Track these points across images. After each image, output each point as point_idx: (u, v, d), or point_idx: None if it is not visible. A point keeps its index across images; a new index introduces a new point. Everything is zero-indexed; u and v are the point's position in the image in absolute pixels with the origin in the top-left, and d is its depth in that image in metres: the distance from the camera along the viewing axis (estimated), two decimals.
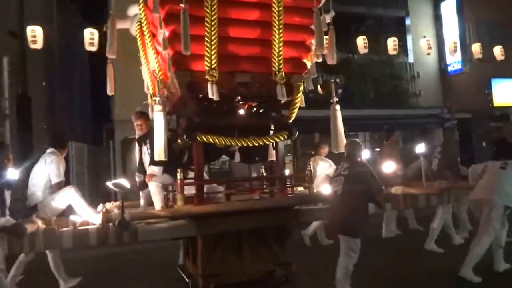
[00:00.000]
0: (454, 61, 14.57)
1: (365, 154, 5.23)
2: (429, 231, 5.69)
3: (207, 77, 3.94)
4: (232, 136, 4.34)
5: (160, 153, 3.81)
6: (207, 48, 3.94)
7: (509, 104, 15.42)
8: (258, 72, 4.30)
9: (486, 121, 13.65)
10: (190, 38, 3.97)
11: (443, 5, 15.16)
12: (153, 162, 4.26)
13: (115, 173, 10.62)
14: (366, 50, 6.30)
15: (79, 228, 3.71)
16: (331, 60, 4.52)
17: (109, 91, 4.70)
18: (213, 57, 3.96)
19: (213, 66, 3.97)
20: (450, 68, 14.80)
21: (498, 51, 7.56)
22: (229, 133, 4.33)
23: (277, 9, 4.18)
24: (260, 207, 4.14)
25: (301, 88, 4.68)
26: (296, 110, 4.78)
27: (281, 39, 4.22)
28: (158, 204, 4.25)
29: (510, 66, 9.57)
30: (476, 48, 7.44)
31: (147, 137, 4.47)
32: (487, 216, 4.26)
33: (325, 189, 5.15)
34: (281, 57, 4.25)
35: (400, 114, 13.06)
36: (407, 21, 15.07)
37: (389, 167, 4.30)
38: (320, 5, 4.52)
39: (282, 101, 4.74)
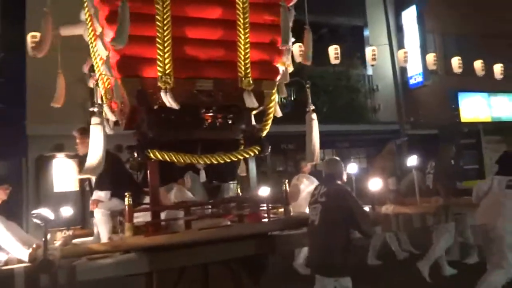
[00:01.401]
0: (415, 74, 13.65)
1: (352, 169, 4.66)
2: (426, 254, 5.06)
3: (159, 84, 3.37)
4: (195, 152, 3.76)
5: (88, 170, 3.17)
6: (159, 51, 3.38)
7: (477, 119, 14.37)
8: (222, 78, 3.74)
9: (454, 138, 12.37)
10: (140, 40, 3.47)
11: (404, 14, 14.13)
12: (98, 186, 3.64)
13: (27, 197, 8.98)
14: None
15: (3, 268, 3.07)
16: (306, 61, 3.98)
17: (56, 103, 4.11)
18: (166, 61, 3.40)
19: (167, 72, 3.40)
20: (411, 81, 13.86)
21: (456, 63, 7.13)
22: (191, 149, 3.75)
23: (241, 6, 3.65)
24: (224, 235, 3.50)
25: (275, 96, 4.13)
26: (269, 122, 4.21)
27: (247, 40, 3.67)
28: (104, 235, 3.61)
29: (476, 79, 8.94)
30: (430, 59, 7.00)
31: None
32: (494, 245, 3.64)
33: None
34: (248, 60, 3.69)
35: (357, 130, 12.14)
36: (366, 31, 13.94)
37: (378, 182, 3.70)
38: (292, 3, 4.00)
39: (253, 112, 4.22)
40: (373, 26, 13.61)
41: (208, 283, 3.66)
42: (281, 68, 4.03)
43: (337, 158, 3.57)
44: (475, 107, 14.36)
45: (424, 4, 13.63)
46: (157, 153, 3.47)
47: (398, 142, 11.06)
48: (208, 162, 3.69)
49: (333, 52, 5.72)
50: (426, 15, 13.68)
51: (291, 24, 4.00)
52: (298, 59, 5.37)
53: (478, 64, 7.56)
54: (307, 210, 4.61)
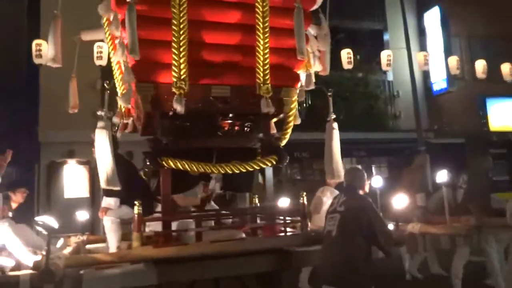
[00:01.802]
0: (439, 79, 12.64)
1: (376, 183, 4.40)
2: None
3: (173, 89, 3.27)
4: (209, 161, 3.62)
5: (106, 180, 3.09)
6: (174, 56, 3.27)
7: (507, 128, 13.13)
8: (239, 85, 3.59)
9: (483, 147, 11.36)
10: (155, 44, 3.39)
11: (426, 16, 13.08)
12: (106, 193, 3.55)
13: (38, 202, 8.98)
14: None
15: (9, 273, 3.01)
16: (324, 71, 3.78)
17: (72, 108, 4.09)
18: (182, 66, 3.29)
19: (182, 77, 3.29)
20: (435, 87, 12.82)
21: (480, 67, 6.64)
22: (206, 157, 3.61)
23: (261, 9, 3.51)
24: (237, 249, 3.32)
25: (295, 104, 3.94)
26: (289, 131, 4.04)
27: (266, 46, 3.52)
28: (113, 243, 3.50)
29: (507, 85, 8.23)
30: (453, 63, 6.54)
31: None
32: None
33: None
34: (267, 66, 3.53)
35: (375, 138, 11.39)
36: (386, 35, 13.20)
37: (404, 199, 3.43)
38: (315, 6, 3.83)
39: (272, 120, 4.05)
40: (394, 30, 12.84)
41: None
42: (303, 74, 3.86)
43: (359, 166, 3.33)
44: (505, 114, 13.26)
45: (448, 5, 12.73)
46: (170, 161, 3.36)
47: (419, 149, 10.28)
48: (222, 172, 3.54)
49: (346, 56, 5.42)
50: (451, 17, 12.79)
51: (326, 31, 3.83)
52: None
53: (506, 68, 7.08)
54: None
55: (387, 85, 12.84)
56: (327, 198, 5.76)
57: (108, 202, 3.57)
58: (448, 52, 11.69)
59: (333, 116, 3.80)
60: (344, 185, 3.26)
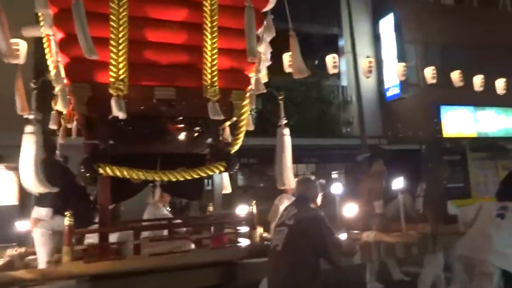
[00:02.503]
0: (392, 85, 12.65)
1: (335, 190, 4.26)
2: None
3: (111, 90, 3.02)
4: (153, 168, 3.39)
5: (33, 185, 2.81)
6: (112, 54, 3.03)
7: (460, 134, 13.30)
8: (185, 87, 3.38)
9: (438, 155, 11.45)
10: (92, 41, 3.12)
11: (381, 23, 13.18)
12: (38, 202, 3.27)
13: None
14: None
15: None
16: (298, 73, 3.60)
17: (22, 111, 3.74)
18: (120, 65, 3.05)
19: (120, 77, 3.05)
20: (388, 93, 12.85)
21: (429, 73, 6.75)
22: (149, 164, 3.38)
23: (209, 8, 3.31)
24: (179, 263, 3.10)
25: (246, 108, 3.76)
26: (241, 136, 3.85)
27: (215, 46, 3.32)
28: (42, 258, 3.21)
29: (461, 93, 8.33)
30: (400, 68, 6.62)
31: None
32: (482, 281, 3.21)
33: None
34: (215, 68, 3.34)
35: (328, 144, 11.19)
36: (341, 41, 13.15)
37: (353, 207, 3.32)
38: (269, 7, 3.66)
39: (224, 125, 3.86)
40: (349, 35, 12.56)
41: None
42: (254, 78, 3.68)
43: (312, 177, 3.17)
44: (459, 122, 13.42)
45: (403, 13, 12.84)
46: (107, 168, 3.11)
47: (360, 158, 10.23)
48: (166, 179, 3.32)
49: (287, 59, 5.28)
50: (407, 24, 12.89)
51: (272, 33, 3.66)
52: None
53: (455, 75, 7.21)
54: None
55: (341, 90, 12.75)
56: (284, 206, 5.62)
57: (39, 212, 3.28)
58: (401, 59, 11.74)
59: (285, 121, 3.63)
60: (295, 197, 3.08)
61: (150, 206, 4.56)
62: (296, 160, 3.85)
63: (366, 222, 4.97)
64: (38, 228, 3.22)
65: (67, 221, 2.93)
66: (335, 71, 6.10)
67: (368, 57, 6.43)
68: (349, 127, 12.31)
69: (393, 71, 11.76)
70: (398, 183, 4.24)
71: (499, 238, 3.22)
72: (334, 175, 11.77)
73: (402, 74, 6.79)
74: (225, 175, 4.01)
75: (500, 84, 7.90)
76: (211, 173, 3.45)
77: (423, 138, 11.99)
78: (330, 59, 5.92)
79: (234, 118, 3.67)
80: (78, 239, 3.29)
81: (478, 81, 7.46)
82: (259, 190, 4.87)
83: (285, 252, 2.75)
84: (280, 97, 3.68)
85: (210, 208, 4.77)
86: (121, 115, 2.98)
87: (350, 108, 12.56)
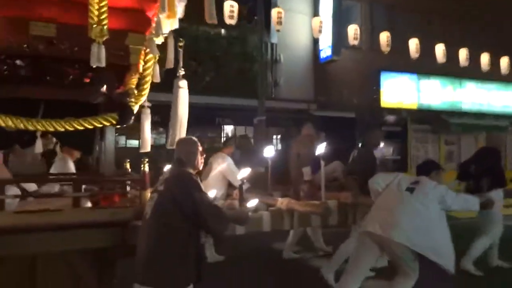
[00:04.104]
0: (326, 46, 11.69)
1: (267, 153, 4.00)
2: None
3: None
4: (33, 115, 2.98)
5: None
6: None
7: (401, 105, 12.48)
8: (70, 24, 2.93)
9: (374, 125, 10.57)
10: None
11: None
12: None
13: None
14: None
15: None
16: (208, 19, 3.20)
17: None
18: None
19: None
20: (322, 54, 11.92)
21: (384, 39, 6.40)
22: (28, 111, 2.97)
23: None
24: (45, 223, 2.77)
25: (150, 56, 3.34)
26: (146, 87, 3.46)
27: None
28: None
29: (406, 60, 7.74)
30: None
31: None
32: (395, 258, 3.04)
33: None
34: (104, 3, 2.88)
35: (248, 105, 10.05)
36: None
37: (244, 171, 3.06)
38: None
39: (123, 72, 3.44)
40: None
41: (35, 280, 2.94)
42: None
43: (194, 138, 2.83)
44: (400, 91, 12.62)
45: None
46: None
47: (255, 121, 9.62)
48: (50, 129, 2.93)
49: (229, 9, 4.81)
50: None
51: None
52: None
53: (412, 44, 6.82)
54: (213, 191, 3.95)
55: (269, 48, 11.66)
56: (217, 164, 5.39)
57: None
58: (336, 18, 11.08)
59: (182, 73, 3.25)
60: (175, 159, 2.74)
61: (57, 160, 4.20)
62: (208, 120, 3.52)
63: (295, 189, 4.78)
64: None
65: None
66: (280, 27, 5.66)
67: (316, 15, 5.98)
68: (275, 88, 11.53)
69: (327, 31, 10.83)
70: (321, 148, 3.97)
71: (403, 212, 3.04)
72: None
73: (354, 38, 6.41)
74: (147, 131, 3.67)
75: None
76: (99, 125, 3.08)
77: (359, 106, 11.45)
78: (275, 14, 5.47)
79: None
80: None
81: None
82: (165, 150, 4.51)
83: (152, 221, 2.45)
84: (180, 44, 3.28)
85: (127, 166, 4.46)
86: None
87: (278, 68, 11.66)
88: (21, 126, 2.89)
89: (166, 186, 2.48)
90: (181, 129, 3.22)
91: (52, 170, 4.31)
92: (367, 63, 11.62)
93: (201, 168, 2.79)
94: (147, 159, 3.14)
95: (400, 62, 10.01)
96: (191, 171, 2.63)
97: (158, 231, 2.41)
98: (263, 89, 9.91)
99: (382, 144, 4.89)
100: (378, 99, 12.23)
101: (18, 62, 2.94)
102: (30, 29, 2.83)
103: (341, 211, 3.86)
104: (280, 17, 5.46)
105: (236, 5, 4.81)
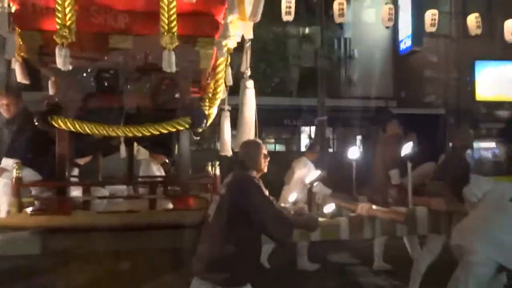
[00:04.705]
0: (405, 36, 10.16)
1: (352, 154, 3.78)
2: None
3: (56, 38, 2.83)
4: (116, 122, 3.21)
5: None
6: None
7: (500, 97, 10.50)
8: (144, 35, 3.08)
9: (470, 122, 9.19)
10: None
11: None
12: (7, 152, 3.31)
13: None
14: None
15: None
16: (253, 16, 3.11)
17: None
18: (67, 10, 2.83)
19: (67, 24, 2.84)
20: (401, 46, 10.50)
21: (473, 22, 5.26)
22: (112, 118, 3.21)
23: None
24: (126, 222, 2.95)
25: (221, 60, 3.35)
26: (220, 91, 3.50)
27: None
28: (3, 208, 3.27)
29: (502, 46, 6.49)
30: (428, 17, 5.23)
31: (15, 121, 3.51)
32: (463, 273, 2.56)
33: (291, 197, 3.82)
34: (174, 11, 2.96)
35: (312, 105, 9.43)
36: None
37: (314, 174, 2.84)
38: None
39: (197, 77, 3.52)
40: None
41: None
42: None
43: (258, 140, 2.73)
44: (496, 81, 10.63)
45: None
46: (60, 121, 3.00)
47: (316, 122, 8.91)
48: (122, 135, 3.14)
49: (285, 5, 4.49)
50: None
51: None
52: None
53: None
54: (293, 195, 3.87)
55: (343, 43, 10.85)
56: (299, 169, 5.28)
57: (7, 163, 3.33)
58: (416, 3, 9.61)
59: (249, 72, 3.17)
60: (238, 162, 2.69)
61: (143, 163, 4.50)
62: (276, 122, 3.40)
63: (382, 194, 4.39)
64: (2, 178, 3.28)
65: (15, 172, 2.91)
66: (342, 19, 5.17)
67: (387, 3, 5.32)
68: (350, 86, 10.71)
69: (406, 19, 9.83)
70: (407, 148, 3.56)
71: (503, 225, 2.52)
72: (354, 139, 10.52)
73: (430, 24, 5.49)
74: (226, 135, 3.73)
75: None
76: (173, 130, 3.17)
77: (447, 101, 10.06)
78: (337, 5, 5.01)
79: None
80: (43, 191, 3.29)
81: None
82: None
83: (214, 223, 2.46)
84: (247, 44, 3.21)
85: (209, 169, 4.58)
86: (63, 64, 2.80)
87: (352, 64, 10.88)
88: (103, 132, 3.12)
89: (227, 189, 2.48)
90: (248, 131, 3.16)
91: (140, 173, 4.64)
92: (455, 52, 10.31)
93: (265, 170, 2.70)
94: (218, 162, 3.15)
95: (496, 49, 8.50)
96: (254, 174, 2.57)
97: (220, 233, 2.42)
98: (321, 88, 9.37)
99: (491, 144, 4.19)
100: (472, 93, 10.75)
101: (102, 74, 3.19)
102: (110, 42, 3.04)
103: (431, 219, 3.42)
104: (342, 9, 5.00)
105: (293, 0, 4.57)
